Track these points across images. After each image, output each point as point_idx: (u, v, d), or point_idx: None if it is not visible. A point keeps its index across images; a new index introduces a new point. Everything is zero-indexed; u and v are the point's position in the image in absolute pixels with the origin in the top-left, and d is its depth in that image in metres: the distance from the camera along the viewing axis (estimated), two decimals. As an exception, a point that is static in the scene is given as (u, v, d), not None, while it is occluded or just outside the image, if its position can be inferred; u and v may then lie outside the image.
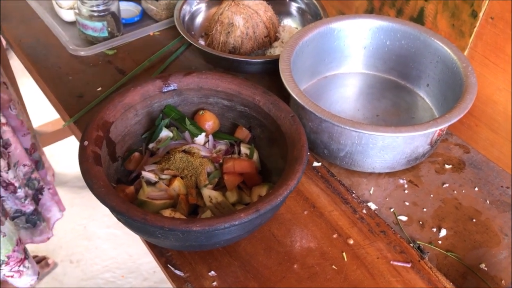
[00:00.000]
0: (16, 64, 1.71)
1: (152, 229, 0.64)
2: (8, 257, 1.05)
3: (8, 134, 1.02)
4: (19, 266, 1.09)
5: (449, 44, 0.94)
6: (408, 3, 1.02)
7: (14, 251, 1.06)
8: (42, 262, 1.68)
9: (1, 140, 1.01)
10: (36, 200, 1.17)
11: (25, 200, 1.09)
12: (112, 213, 0.69)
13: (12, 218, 1.13)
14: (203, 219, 0.63)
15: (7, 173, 1.01)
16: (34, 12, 1.17)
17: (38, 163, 1.20)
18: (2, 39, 1.58)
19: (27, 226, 1.17)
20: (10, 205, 1.09)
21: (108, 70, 1.05)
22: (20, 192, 1.07)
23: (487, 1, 0.87)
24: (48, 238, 1.29)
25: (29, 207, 1.12)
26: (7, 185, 1.03)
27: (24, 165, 1.09)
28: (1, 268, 1.03)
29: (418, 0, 1.00)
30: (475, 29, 0.92)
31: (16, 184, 1.04)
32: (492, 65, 0.91)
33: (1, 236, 1.01)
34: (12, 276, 1.10)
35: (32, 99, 2.00)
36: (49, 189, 1.28)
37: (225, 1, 1.07)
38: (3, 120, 0.99)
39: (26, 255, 1.12)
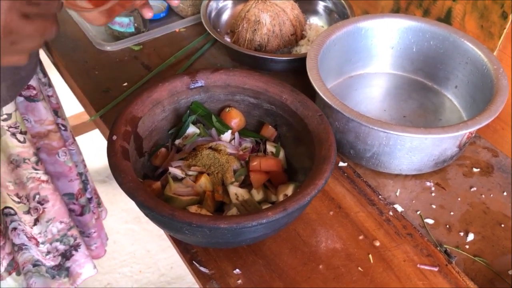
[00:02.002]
0: (41, 58, 1.73)
1: (179, 225, 0.64)
2: None
3: (47, 191, 0.98)
4: None
5: (479, 46, 0.93)
6: (436, 3, 1.01)
7: None
8: None
9: (38, 196, 0.98)
10: (66, 256, 1.14)
11: (46, 255, 1.07)
12: (140, 208, 0.69)
13: (33, 265, 1.12)
14: (230, 217, 0.63)
15: (32, 228, 0.99)
16: (61, 6, 1.18)
17: (84, 208, 1.17)
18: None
19: (46, 276, 1.16)
20: (32, 253, 1.08)
21: (134, 65, 1.06)
22: (43, 248, 1.04)
23: (520, 2, 0.86)
24: None
25: (49, 262, 1.10)
26: (30, 238, 1.02)
27: (61, 222, 1.06)
28: None
29: (446, 0, 0.98)
30: (505, 30, 0.90)
31: (40, 240, 1.02)
32: (521, 68, 0.89)
33: None
34: None
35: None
36: (93, 244, 1.23)
37: (252, -1, 1.06)
38: (44, 178, 0.96)
39: None
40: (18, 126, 0.86)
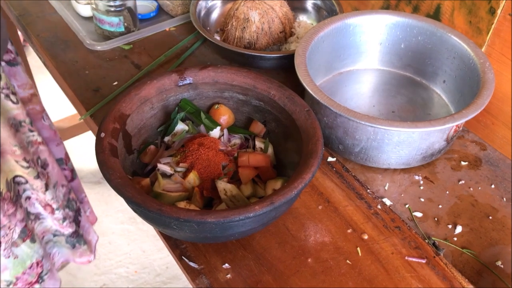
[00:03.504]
0: (33, 61, 1.74)
1: (167, 220, 0.64)
2: (17, 279, 1.03)
3: (45, 153, 0.99)
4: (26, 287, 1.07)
5: (466, 40, 0.93)
6: (425, 0, 1.01)
7: (24, 273, 1.04)
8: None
9: (40, 160, 0.98)
10: (77, 222, 1.15)
11: (63, 221, 1.07)
12: (128, 204, 0.70)
13: (54, 235, 1.12)
14: (218, 211, 0.63)
15: (44, 194, 0.99)
16: (52, 7, 1.19)
17: (74, 172, 1.18)
18: (20, 35, 1.60)
19: (67, 246, 1.16)
20: (50, 223, 1.08)
21: (124, 64, 1.06)
22: (58, 214, 1.04)
23: (506, -3, 0.87)
24: (89, 261, 1.24)
25: (67, 229, 1.09)
26: (45, 206, 1.02)
27: (63, 186, 1.06)
28: (10, 286, 1.02)
29: (435, -4, 0.99)
30: (493, 26, 0.91)
31: (54, 206, 1.02)
32: (509, 62, 0.90)
33: (12, 257, 0.99)
34: None
35: (48, 95, 2.03)
36: (87, 209, 1.25)
37: (241, -3, 1.07)
38: (40, 139, 0.97)
39: (40, 278, 1.10)
40: (9, 88, 0.86)
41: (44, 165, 0.98)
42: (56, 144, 1.08)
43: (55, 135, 1.07)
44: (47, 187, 0.98)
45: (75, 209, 1.11)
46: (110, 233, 1.84)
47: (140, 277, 1.73)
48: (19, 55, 1.03)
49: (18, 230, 0.97)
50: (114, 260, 1.76)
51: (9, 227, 0.94)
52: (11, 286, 1.02)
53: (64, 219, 1.06)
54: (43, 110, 1.00)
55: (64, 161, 1.12)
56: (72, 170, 1.15)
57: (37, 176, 0.95)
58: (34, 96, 0.98)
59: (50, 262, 1.12)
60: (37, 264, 1.07)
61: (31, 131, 0.93)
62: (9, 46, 0.89)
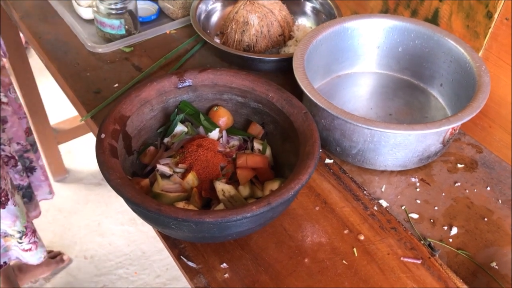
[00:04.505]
0: (34, 63, 1.75)
1: (166, 220, 0.66)
2: (26, 228, 1.10)
3: (6, 112, 1.09)
4: (34, 236, 1.13)
5: (462, 44, 0.94)
6: (423, 4, 1.03)
7: (27, 221, 1.11)
8: (57, 258, 1.71)
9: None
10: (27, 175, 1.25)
11: (23, 173, 1.16)
12: (128, 204, 0.71)
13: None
14: (216, 211, 0.64)
15: (10, 146, 1.07)
16: (54, 9, 1.20)
17: (33, 146, 1.28)
18: (22, 37, 1.62)
19: (24, 200, 1.24)
20: (12, 175, 1.17)
21: (125, 67, 1.07)
22: (20, 166, 1.13)
23: (503, 2, 0.87)
24: (40, 213, 1.37)
25: (26, 180, 1.19)
26: (9, 159, 1.09)
27: (18, 143, 1.16)
28: (22, 240, 1.08)
29: (433, 0, 1.00)
30: (490, 30, 0.92)
31: (17, 157, 1.12)
32: (506, 66, 0.91)
33: (17, 206, 1.06)
34: (30, 249, 1.14)
35: (49, 97, 2.04)
36: (42, 172, 1.34)
37: (241, 0, 1.08)
38: (5, 100, 1.06)
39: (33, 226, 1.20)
40: None
41: (3, 122, 1.07)
42: (19, 118, 1.20)
43: (20, 108, 1.21)
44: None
45: (27, 166, 1.23)
46: (110, 234, 1.85)
47: (140, 278, 1.74)
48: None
49: (8, 180, 1.05)
50: (114, 261, 1.77)
51: (4, 177, 1.02)
52: (23, 237, 1.07)
53: (23, 170, 1.19)
54: (11, 83, 1.12)
55: (25, 133, 1.23)
56: (32, 145, 1.28)
57: (3, 130, 1.06)
58: (3, 68, 1.07)
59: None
60: (26, 213, 1.13)
61: None
62: None
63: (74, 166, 2.05)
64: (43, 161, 1.42)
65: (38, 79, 1.77)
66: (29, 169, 1.26)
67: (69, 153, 2.09)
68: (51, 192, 1.36)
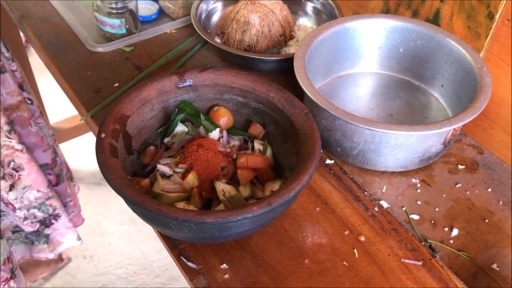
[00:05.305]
0: (34, 62, 1.75)
1: (166, 220, 0.65)
2: None
3: (22, 159, 1.00)
4: (4, 285, 1.09)
5: (464, 45, 0.94)
6: (424, 4, 1.02)
7: (0, 270, 1.07)
8: (56, 257, 1.71)
9: (13, 163, 1.00)
10: (46, 223, 1.17)
11: (24, 220, 1.10)
12: (128, 204, 0.71)
13: (13, 232, 1.14)
14: (216, 211, 0.64)
15: (7, 193, 1.02)
16: (54, 8, 1.20)
17: (59, 178, 1.20)
18: (22, 36, 1.61)
19: (26, 241, 1.18)
20: (11, 219, 1.11)
21: (125, 66, 1.07)
22: (20, 213, 1.07)
23: (504, 2, 0.87)
24: (47, 258, 1.29)
25: (28, 228, 1.12)
26: (7, 204, 1.04)
27: (38, 191, 1.08)
28: None
29: (434, 1, 1.00)
30: (491, 31, 0.92)
31: (16, 206, 1.05)
32: (507, 67, 0.90)
33: None
34: None
35: (50, 96, 2.04)
36: (69, 219, 1.27)
37: (241, 0, 1.08)
38: (19, 147, 0.99)
39: (13, 274, 1.12)
40: None
41: (18, 169, 1.00)
42: (43, 150, 1.11)
43: (42, 141, 1.09)
44: (12, 188, 1.00)
45: (51, 213, 1.13)
46: (109, 234, 1.84)
47: (139, 278, 1.73)
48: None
49: None
50: (113, 261, 1.77)
51: None
52: None
53: (26, 218, 1.09)
54: (31, 116, 1.02)
55: (49, 167, 1.14)
56: (58, 176, 1.18)
57: (3, 177, 0.98)
58: (22, 103, 0.99)
59: (14, 258, 1.14)
60: (8, 259, 1.09)
61: (9, 138, 0.94)
62: None
63: (74, 165, 2.05)
64: (70, 189, 1.31)
65: (38, 79, 1.77)
66: (53, 217, 1.17)
67: (69, 153, 2.08)
68: (79, 238, 1.28)
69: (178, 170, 0.78)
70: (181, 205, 0.73)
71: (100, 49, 1.10)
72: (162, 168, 0.78)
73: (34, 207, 1.09)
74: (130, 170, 0.79)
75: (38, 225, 1.14)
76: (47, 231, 1.17)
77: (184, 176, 0.77)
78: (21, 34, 1.59)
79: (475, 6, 0.93)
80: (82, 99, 0.99)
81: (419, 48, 1.01)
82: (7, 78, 0.93)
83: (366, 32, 1.02)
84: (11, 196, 1.02)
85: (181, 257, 0.75)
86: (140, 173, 0.82)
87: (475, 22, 0.94)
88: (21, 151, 0.98)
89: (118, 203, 1.93)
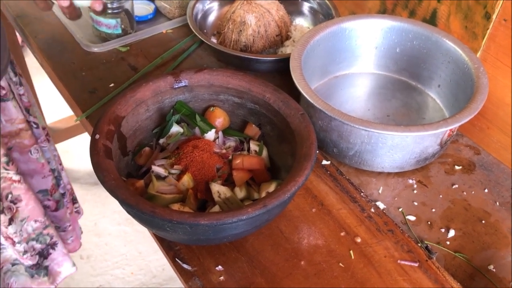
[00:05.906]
0: (30, 62, 1.74)
1: (160, 222, 0.65)
2: None
3: (19, 191, 0.98)
4: None
5: (461, 45, 0.94)
6: (421, 4, 1.02)
7: None
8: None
9: (11, 195, 0.99)
10: (44, 255, 1.15)
11: (23, 254, 1.08)
12: (122, 206, 0.70)
13: (12, 264, 1.13)
14: (211, 213, 0.64)
15: (7, 228, 1.00)
16: (50, 9, 1.19)
17: (59, 203, 1.18)
18: (18, 36, 1.61)
19: (25, 274, 1.16)
20: (10, 253, 1.09)
21: (121, 66, 1.07)
22: (19, 247, 1.05)
23: (501, 2, 0.87)
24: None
25: (27, 262, 1.10)
26: (6, 238, 1.03)
27: (36, 221, 1.06)
28: None
29: (431, 1, 1.00)
30: (488, 31, 0.91)
31: (16, 240, 1.02)
32: (504, 68, 0.90)
33: None
34: None
35: (46, 96, 2.03)
36: (64, 245, 1.24)
37: (238, 0, 1.08)
38: (16, 178, 0.96)
39: None
40: None
41: (16, 200, 0.98)
42: (42, 177, 1.07)
43: (43, 168, 1.05)
44: (11, 221, 0.99)
45: (48, 243, 1.11)
46: (106, 234, 1.84)
47: (136, 278, 1.73)
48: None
49: None
50: (110, 261, 1.76)
51: None
52: None
53: (25, 252, 1.07)
54: (33, 143, 0.99)
55: (49, 192, 1.11)
56: (58, 201, 1.15)
57: (1, 211, 0.96)
58: (24, 130, 0.97)
59: None
60: None
61: (6, 169, 0.93)
62: (2, 82, 0.87)
63: (70, 165, 2.04)
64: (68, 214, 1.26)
65: (34, 78, 1.76)
66: (51, 246, 1.15)
67: (66, 153, 2.08)
68: (74, 264, 1.26)
69: (173, 171, 0.78)
70: (176, 206, 0.73)
71: (95, 49, 1.09)
72: (157, 169, 0.77)
73: (33, 239, 1.07)
74: (125, 171, 0.79)
75: (37, 257, 1.11)
76: (46, 262, 1.15)
77: (179, 177, 0.77)
78: (17, 34, 1.58)
79: (472, 6, 0.92)
80: (78, 100, 0.99)
81: (416, 49, 1.01)
82: (8, 106, 0.91)
83: (363, 32, 1.02)
84: (10, 230, 1.00)
85: (176, 259, 0.75)
86: (135, 174, 0.82)
87: (472, 22, 0.94)
88: (19, 181, 0.96)
89: (115, 203, 1.90)
